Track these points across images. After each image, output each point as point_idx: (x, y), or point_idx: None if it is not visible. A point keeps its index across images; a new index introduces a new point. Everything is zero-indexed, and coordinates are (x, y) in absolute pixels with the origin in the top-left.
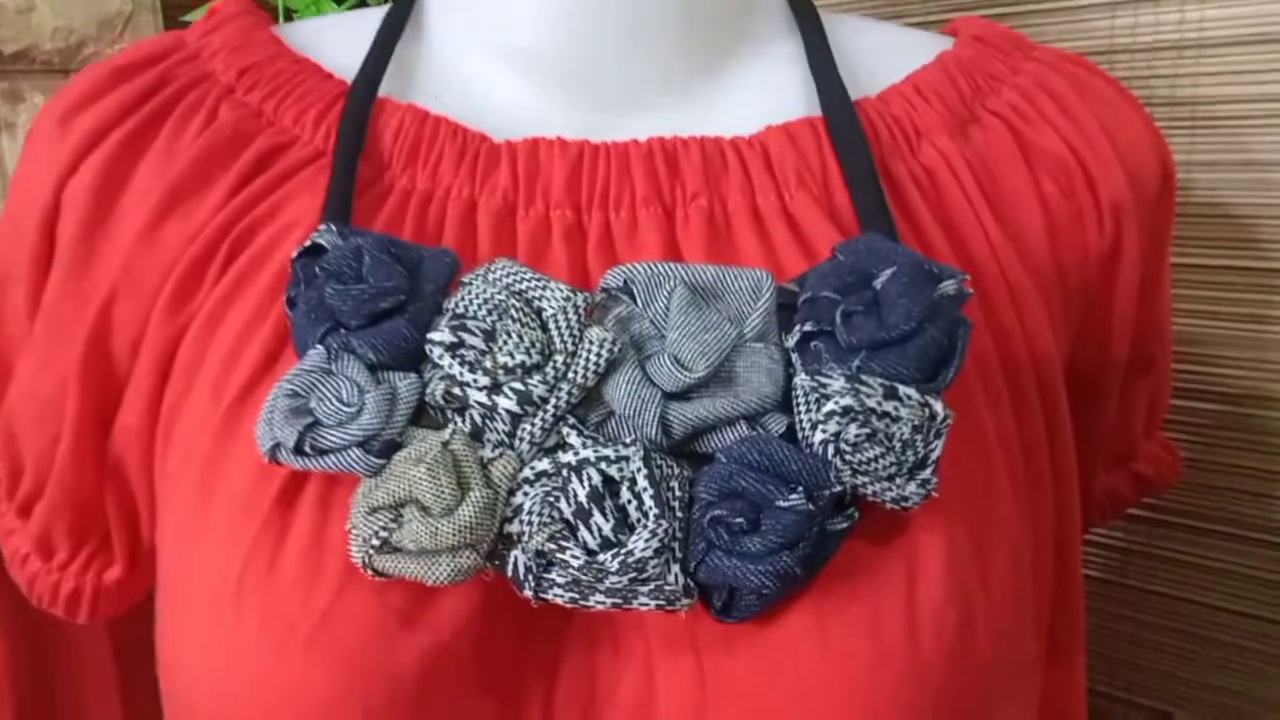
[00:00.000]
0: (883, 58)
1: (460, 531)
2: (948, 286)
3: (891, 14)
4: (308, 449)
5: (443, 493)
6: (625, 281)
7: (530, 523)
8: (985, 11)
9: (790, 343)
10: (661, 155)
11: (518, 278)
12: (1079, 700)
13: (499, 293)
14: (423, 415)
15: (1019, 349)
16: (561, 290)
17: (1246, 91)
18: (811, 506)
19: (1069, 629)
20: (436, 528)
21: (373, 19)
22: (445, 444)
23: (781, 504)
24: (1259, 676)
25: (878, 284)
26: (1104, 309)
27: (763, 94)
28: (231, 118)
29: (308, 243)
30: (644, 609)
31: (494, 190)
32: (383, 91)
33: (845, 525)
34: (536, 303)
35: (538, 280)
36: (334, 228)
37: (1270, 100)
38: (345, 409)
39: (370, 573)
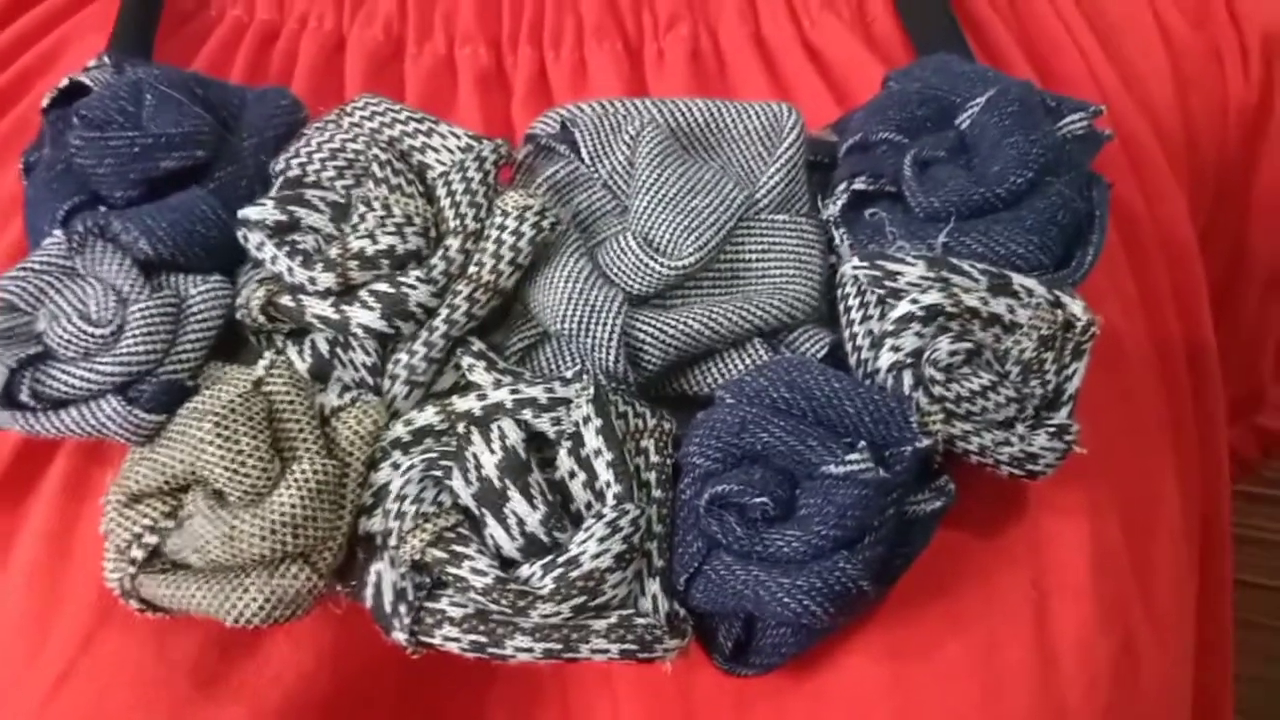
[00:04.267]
0: None
1: (276, 531)
2: (1075, 123)
3: None
4: (24, 398)
5: (245, 465)
6: (565, 125)
7: (402, 514)
8: None
9: (832, 211)
10: None
11: (388, 120)
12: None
13: (356, 143)
14: (242, 346)
15: (1146, 235)
16: (459, 136)
17: None
18: (882, 473)
19: (1215, 651)
20: (234, 526)
21: None
22: (257, 384)
23: (832, 470)
24: None
25: (965, 119)
26: (1243, 189)
27: None
28: None
29: (64, 81)
30: (600, 659)
31: (370, 20)
32: None
33: (937, 505)
34: (417, 156)
35: (420, 123)
36: (108, 59)
37: None
38: (94, 331)
39: (135, 605)
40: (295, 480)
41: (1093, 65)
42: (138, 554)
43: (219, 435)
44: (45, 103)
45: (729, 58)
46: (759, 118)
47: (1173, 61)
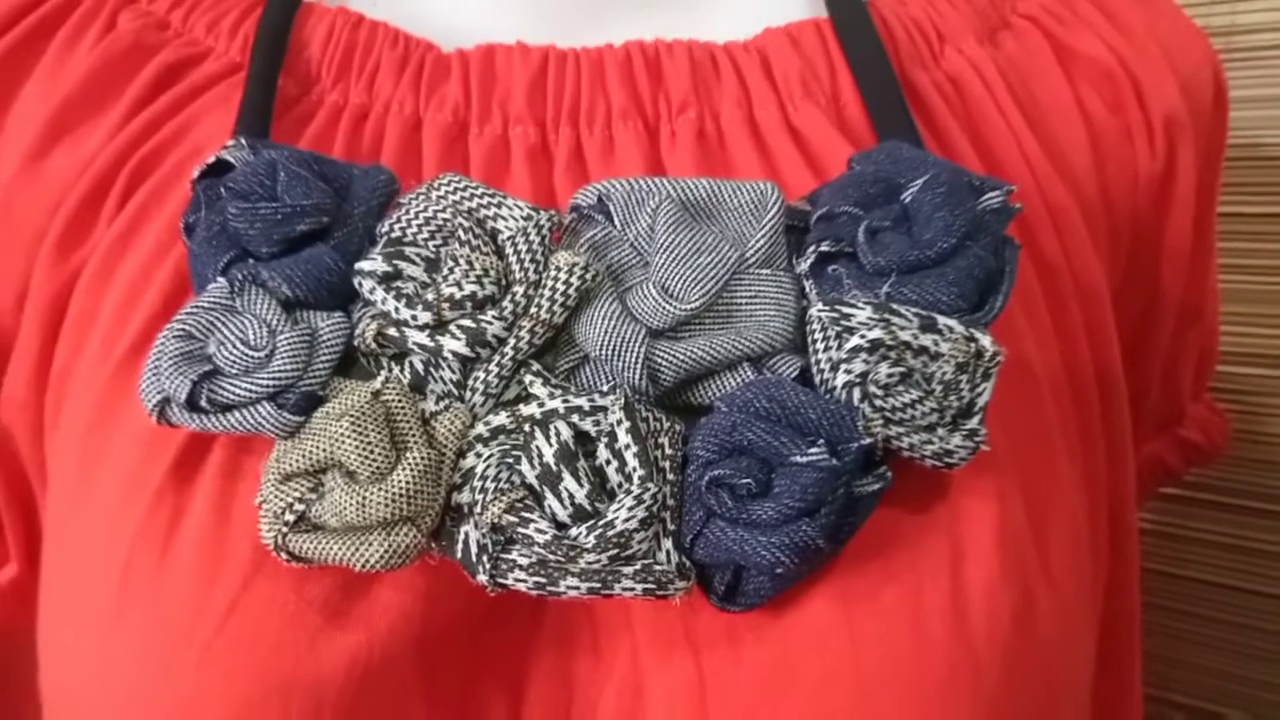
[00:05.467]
0: None
1: (394, 501)
2: (992, 199)
3: None
4: (205, 404)
5: (372, 453)
6: (600, 198)
7: (484, 490)
8: None
9: (803, 267)
10: (642, 62)
11: (467, 194)
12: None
13: (444, 211)
14: (353, 364)
15: (1064, 281)
16: (521, 208)
17: None
18: (835, 462)
19: (1123, 627)
20: (365, 497)
21: None
22: (376, 394)
23: (798, 459)
24: None
25: (907, 196)
26: (1154, 241)
27: None
28: (132, 27)
29: (211, 159)
30: (628, 595)
31: (442, 105)
32: None
33: (877, 487)
34: (490, 223)
35: (492, 196)
36: (244, 141)
37: None
38: (252, 354)
39: (285, 557)
40: (408, 464)
41: (1023, 144)
42: (289, 518)
43: (354, 431)
44: (195, 174)
45: (728, 137)
46: (749, 193)
47: (1092, 139)
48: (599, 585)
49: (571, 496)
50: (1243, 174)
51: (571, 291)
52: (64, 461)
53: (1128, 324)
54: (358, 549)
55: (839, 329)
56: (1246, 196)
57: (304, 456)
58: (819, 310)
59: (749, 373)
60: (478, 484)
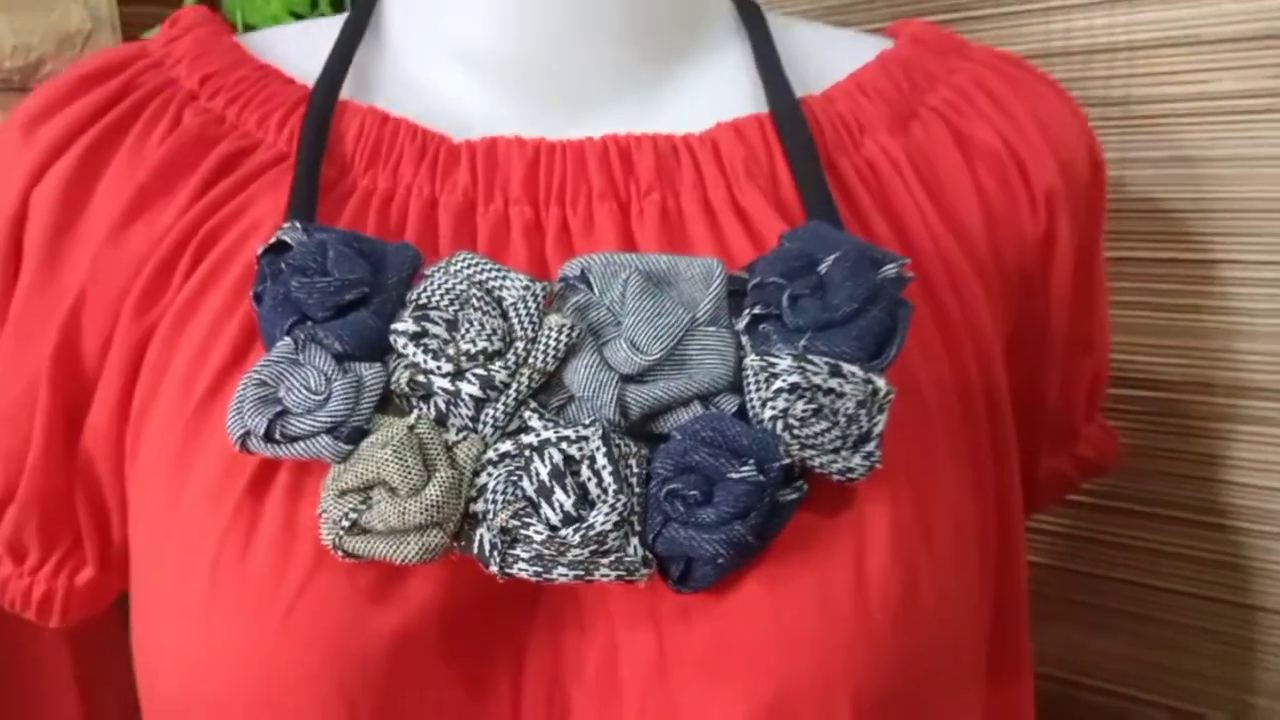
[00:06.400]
0: (827, 58)
1: (427, 510)
2: (889, 270)
3: (837, 18)
4: (278, 436)
5: (410, 474)
6: (582, 271)
7: (495, 501)
8: (928, 17)
9: (740, 325)
10: (616, 152)
11: (478, 269)
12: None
13: (460, 283)
14: (388, 403)
15: (958, 329)
16: (521, 280)
17: (1176, 91)
18: (762, 478)
19: (1011, 603)
20: (404, 508)
21: (330, 28)
22: (411, 428)
23: (733, 476)
24: (1205, 655)
25: (822, 269)
26: (1041, 291)
27: (712, 93)
28: (196, 123)
29: (273, 239)
30: (605, 580)
31: (454, 188)
32: (343, 95)
33: (795, 496)
34: (497, 292)
35: (498, 271)
36: (298, 224)
37: (1198, 99)
38: (313, 397)
39: (340, 554)
40: (436, 482)
41: (926, 215)
42: (345, 524)
43: (395, 456)
44: (260, 251)
45: (686, 214)
46: (700, 267)
47: (984, 210)
48: (583, 573)
49: (561, 505)
50: (1138, 224)
51: (561, 346)
52: (151, 484)
53: (1025, 358)
54: (398, 548)
55: (767, 375)
56: (1141, 243)
57: (356, 476)
58: (752, 360)
59: (698, 409)
60: (489, 496)
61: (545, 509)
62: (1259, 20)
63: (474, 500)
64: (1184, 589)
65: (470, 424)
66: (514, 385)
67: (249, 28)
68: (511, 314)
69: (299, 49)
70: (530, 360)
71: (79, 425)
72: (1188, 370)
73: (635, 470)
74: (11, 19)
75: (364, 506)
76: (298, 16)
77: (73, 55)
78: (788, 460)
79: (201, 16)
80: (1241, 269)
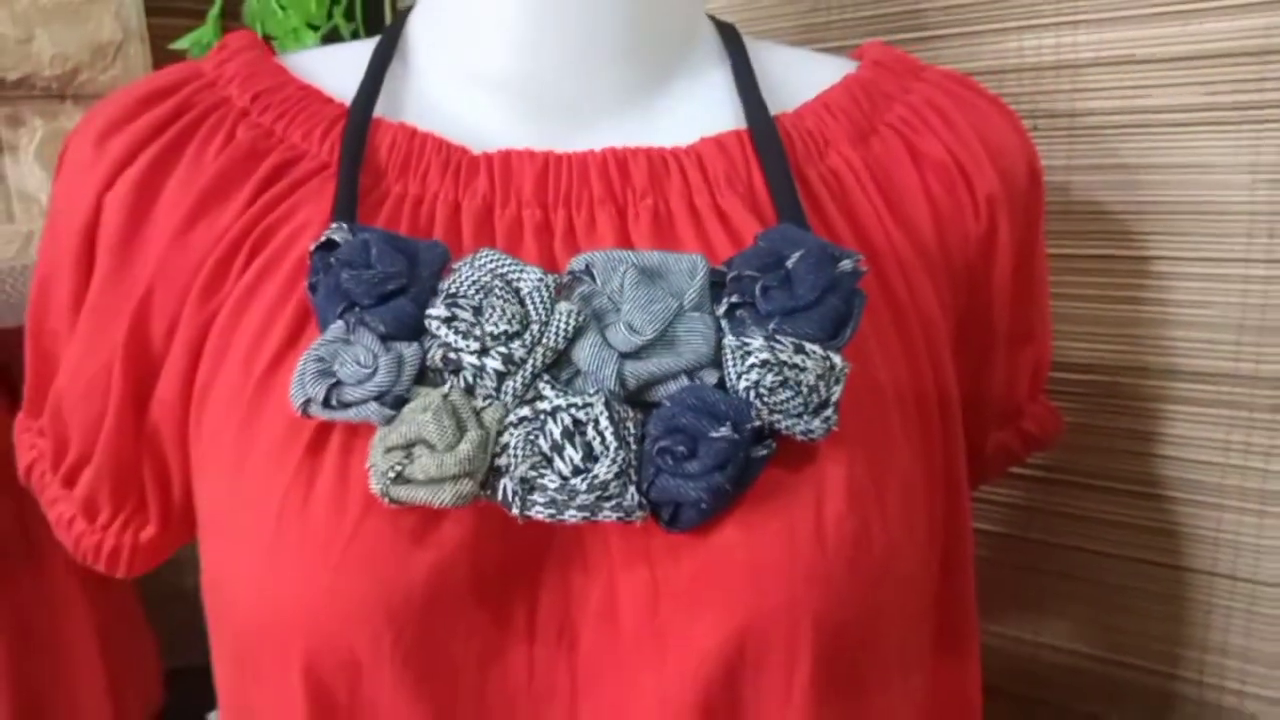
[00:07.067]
0: (798, 79)
1: (461, 463)
2: (845, 265)
3: (816, 34)
4: (334, 403)
5: (446, 433)
6: (587, 265)
7: (516, 456)
8: (895, 36)
9: (720, 311)
10: (614, 163)
11: (499, 263)
12: (974, 684)
13: (484, 275)
14: (425, 376)
15: (909, 315)
16: (535, 273)
17: (1115, 105)
18: (737, 436)
19: (959, 563)
20: (441, 461)
21: (361, 51)
22: (445, 396)
23: (714, 435)
24: (1141, 613)
25: (789, 264)
26: (985, 284)
27: (698, 110)
28: (248, 137)
29: (323, 238)
30: (607, 520)
31: (475, 194)
32: (376, 112)
33: (764, 453)
34: (515, 283)
35: (516, 265)
36: (344, 225)
37: (1135, 113)
38: (363, 370)
39: (387, 501)
40: (468, 440)
41: (882, 218)
42: (391, 475)
43: (434, 419)
44: (312, 248)
45: (675, 217)
46: (686, 262)
47: (933, 213)
48: (589, 514)
49: (571, 459)
50: (1081, 224)
51: (569, 328)
52: (218, 448)
53: (972, 344)
54: (436, 494)
55: (742, 352)
56: (1084, 242)
57: (400, 436)
58: (729, 340)
59: (684, 380)
60: (511, 452)
61: (558, 462)
62: (1189, 43)
63: (498, 455)
64: (1122, 553)
65: (494, 393)
66: (530, 361)
67: (268, 38)
68: (527, 301)
69: (335, 71)
70: (544, 340)
71: (147, 400)
72: (1125, 356)
73: (632, 431)
74: (50, 31)
75: (407, 460)
76: (314, 28)
77: (105, 64)
78: (759, 423)
79: (248, 41)
80: (1173, 264)
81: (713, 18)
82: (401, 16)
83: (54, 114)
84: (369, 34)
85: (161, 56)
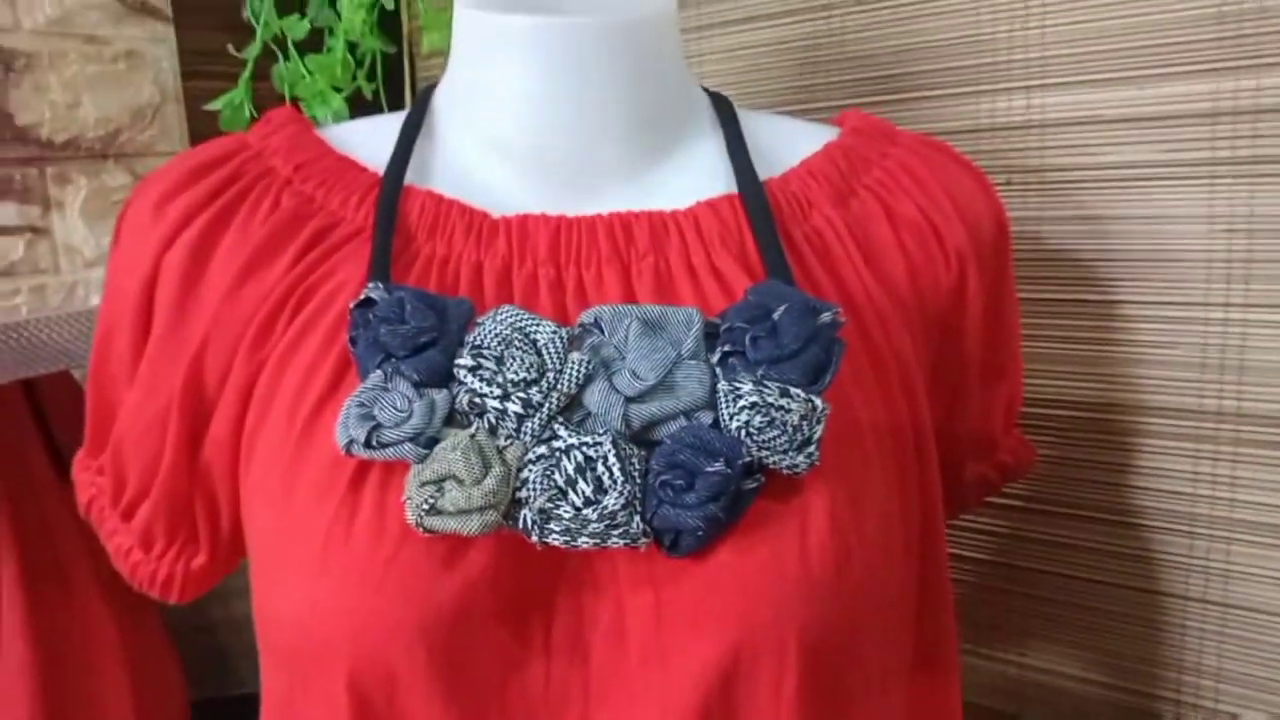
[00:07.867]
0: (784, 146)
1: (486, 496)
2: (826, 317)
3: (803, 97)
4: (374, 443)
5: (473, 469)
6: (595, 319)
7: (534, 489)
8: (877, 98)
9: (714, 359)
10: (619, 226)
11: (518, 318)
12: (955, 701)
13: (505, 329)
14: (453, 418)
15: (886, 360)
16: (550, 326)
17: (1083, 161)
18: (730, 471)
19: (935, 580)
20: (469, 494)
21: (391, 124)
22: (472, 436)
23: (709, 469)
24: (1118, 635)
25: (775, 316)
26: (957, 328)
27: (694, 177)
28: (291, 204)
29: (361, 296)
30: (616, 546)
31: (495, 255)
32: (406, 180)
33: (754, 486)
34: (532, 335)
35: (533, 319)
36: (380, 285)
37: (1101, 169)
38: (400, 414)
39: (422, 530)
40: (492, 475)
41: (861, 273)
42: (425, 507)
43: (463, 457)
44: (352, 305)
45: (674, 275)
46: (684, 314)
47: (908, 267)
48: (600, 541)
49: (583, 492)
50: (1052, 270)
51: (581, 375)
52: (267, 484)
53: (946, 385)
54: (464, 523)
55: (734, 396)
56: (1055, 287)
57: (433, 472)
58: (722, 385)
59: (683, 421)
60: (530, 486)
61: (572, 495)
62: (1146, 105)
63: (519, 489)
64: (1100, 578)
65: (515, 433)
66: (546, 405)
67: (295, 100)
68: (543, 352)
69: (368, 142)
70: (558, 386)
71: (201, 440)
72: (1098, 393)
73: (637, 466)
74: (94, 97)
75: (439, 494)
76: (338, 90)
77: (144, 125)
78: (749, 459)
79: (289, 115)
80: (1138, 308)
81: (706, 89)
82: (425, 92)
83: (97, 172)
84: (389, 94)
85: (196, 117)
